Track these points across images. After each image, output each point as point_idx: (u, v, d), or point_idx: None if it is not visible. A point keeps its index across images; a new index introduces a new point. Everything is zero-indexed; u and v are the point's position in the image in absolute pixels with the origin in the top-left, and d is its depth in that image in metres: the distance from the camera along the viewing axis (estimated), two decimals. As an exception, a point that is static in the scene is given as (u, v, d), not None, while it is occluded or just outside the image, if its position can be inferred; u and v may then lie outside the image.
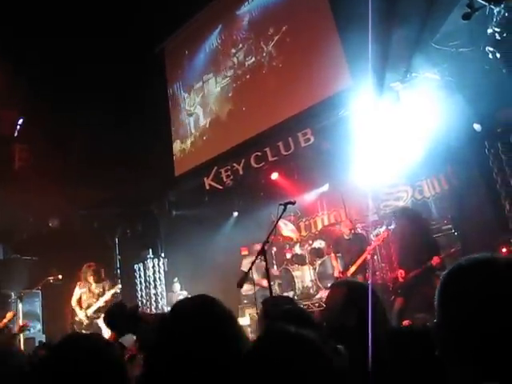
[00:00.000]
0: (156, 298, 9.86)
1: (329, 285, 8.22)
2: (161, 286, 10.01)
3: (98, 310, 7.21)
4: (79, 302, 7.40)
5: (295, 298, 8.54)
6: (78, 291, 7.46)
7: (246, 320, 8.32)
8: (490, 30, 5.94)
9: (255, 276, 7.78)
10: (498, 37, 5.92)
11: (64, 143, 9.69)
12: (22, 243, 9.21)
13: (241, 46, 9.34)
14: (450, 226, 7.52)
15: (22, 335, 6.88)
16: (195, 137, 9.95)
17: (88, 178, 9.25)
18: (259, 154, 8.64)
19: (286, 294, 8.60)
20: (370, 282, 6.30)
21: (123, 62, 9.09)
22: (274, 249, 8.95)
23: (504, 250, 6.67)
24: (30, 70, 8.46)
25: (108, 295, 7.37)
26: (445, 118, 6.65)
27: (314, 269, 8.78)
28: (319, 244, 9.09)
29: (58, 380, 1.46)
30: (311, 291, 8.70)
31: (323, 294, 8.32)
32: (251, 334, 7.35)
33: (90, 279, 7.45)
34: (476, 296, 1.09)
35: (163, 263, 10.24)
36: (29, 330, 6.99)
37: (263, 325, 3.14)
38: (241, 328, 1.65)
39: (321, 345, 1.22)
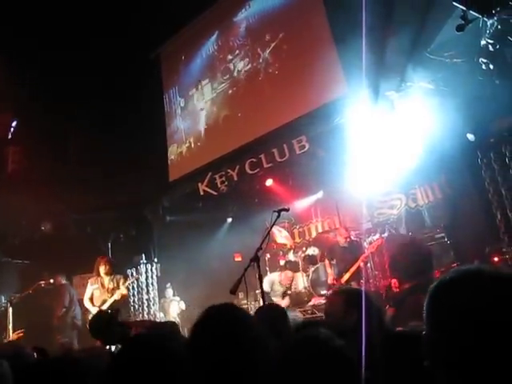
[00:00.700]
0: (148, 304, 9.80)
1: (322, 292, 8.27)
2: (153, 292, 9.96)
3: (112, 306, 6.97)
4: (91, 299, 7.17)
5: (288, 305, 8.53)
6: (90, 288, 7.24)
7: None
8: (483, 42, 6.00)
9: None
10: (491, 48, 5.98)
11: (58, 147, 9.67)
12: (13, 247, 9.15)
13: (237, 52, 9.37)
14: (442, 235, 7.56)
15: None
16: (190, 142, 9.94)
17: (82, 182, 9.20)
18: (254, 160, 8.64)
19: (278, 301, 8.62)
20: (363, 288, 6.30)
21: (119, 67, 9.08)
22: (268, 255, 8.95)
23: (496, 258, 6.72)
24: (24, 72, 8.45)
25: (123, 289, 7.14)
26: (439, 127, 6.70)
27: (308, 276, 8.79)
28: (313, 251, 9.12)
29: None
30: (304, 298, 8.70)
31: (316, 301, 8.33)
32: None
33: (102, 270, 7.17)
34: (462, 308, 1.10)
35: (156, 268, 10.19)
36: None
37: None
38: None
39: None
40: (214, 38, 9.92)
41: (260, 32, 9.02)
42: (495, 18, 5.47)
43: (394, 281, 6.67)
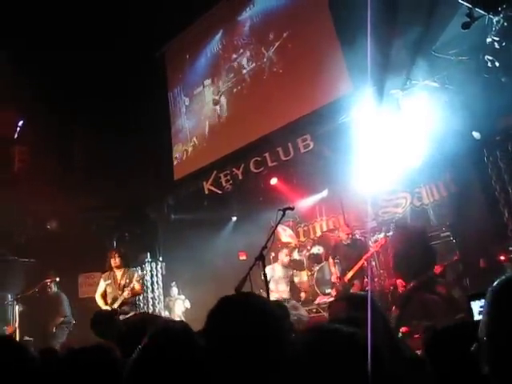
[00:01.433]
0: (153, 302, 9.84)
1: (327, 291, 8.26)
2: (158, 290, 9.99)
3: (123, 304, 6.61)
4: (104, 296, 6.80)
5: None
6: (103, 284, 6.88)
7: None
8: (489, 39, 5.98)
9: (277, 287, 7.78)
10: (496, 46, 5.96)
11: (64, 146, 9.71)
12: (19, 245, 9.19)
13: (242, 51, 9.37)
14: (448, 233, 7.54)
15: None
16: (195, 141, 9.96)
17: (87, 180, 9.25)
18: (258, 159, 8.64)
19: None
20: (369, 288, 6.30)
21: (124, 66, 9.10)
22: (273, 254, 8.94)
23: (502, 257, 6.70)
24: (30, 71, 8.47)
25: (135, 284, 6.72)
26: (444, 125, 6.67)
27: (312, 274, 8.79)
28: (317, 250, 9.11)
29: None
30: (309, 297, 8.70)
31: (321, 299, 8.33)
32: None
33: (113, 264, 6.83)
34: None
35: (161, 267, 10.22)
36: None
37: None
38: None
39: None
40: (218, 36, 9.93)
41: (264, 31, 9.02)
42: (501, 16, 5.45)
43: (399, 281, 6.69)
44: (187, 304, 9.34)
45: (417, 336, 5.83)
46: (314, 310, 8.22)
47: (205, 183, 9.24)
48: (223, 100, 9.59)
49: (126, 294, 6.57)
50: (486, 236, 6.97)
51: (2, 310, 8.18)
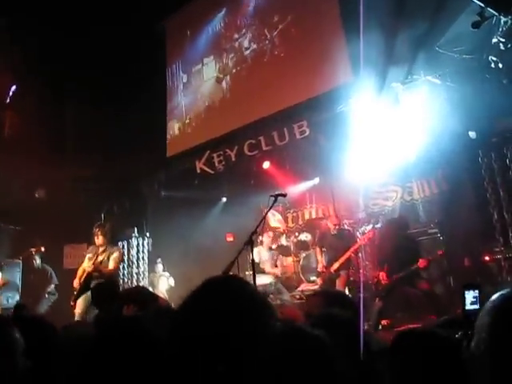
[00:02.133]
0: (138, 278, 9.83)
1: (311, 278, 8.32)
2: (143, 266, 9.98)
3: (90, 278, 6.36)
4: (84, 269, 6.58)
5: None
6: (86, 258, 6.74)
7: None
8: (494, 40, 5.95)
9: (266, 267, 7.82)
10: (502, 47, 5.94)
11: (56, 115, 9.54)
12: (6, 212, 9.07)
13: (244, 31, 9.22)
14: (435, 230, 7.59)
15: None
16: (190, 119, 9.86)
17: (78, 151, 9.13)
18: (253, 141, 8.60)
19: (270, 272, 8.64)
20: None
21: (122, 38, 8.92)
22: (260, 238, 8.94)
23: (487, 257, 6.79)
24: (27, 38, 8.27)
25: (111, 262, 6.49)
26: (441, 122, 6.67)
27: (298, 261, 8.83)
28: (305, 237, 9.14)
29: None
30: (293, 283, 8.75)
31: (304, 286, 8.39)
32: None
33: (96, 241, 6.67)
34: None
35: (148, 243, 10.19)
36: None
37: None
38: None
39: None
40: (221, 15, 9.74)
41: (268, 13, 8.88)
42: (510, 17, 5.41)
43: (381, 274, 6.75)
44: (171, 281, 9.34)
45: (398, 329, 5.90)
46: (298, 297, 8.27)
47: (197, 162, 9.18)
48: (221, 80, 9.47)
49: (87, 266, 6.39)
50: (473, 236, 7.03)
51: (-15, 275, 8.13)
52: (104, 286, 4.91)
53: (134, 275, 9.84)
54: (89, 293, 5.88)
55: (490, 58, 6.16)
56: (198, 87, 9.93)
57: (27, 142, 8.66)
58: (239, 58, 9.23)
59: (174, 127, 10.12)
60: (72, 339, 2.28)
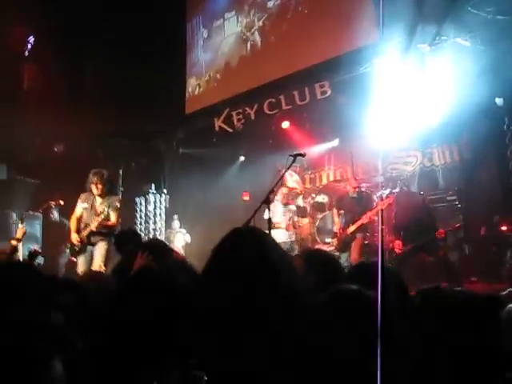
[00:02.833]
0: (154, 234, 9.99)
1: (327, 240, 8.34)
2: (160, 222, 10.11)
3: (93, 234, 5.91)
4: (79, 220, 6.10)
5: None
6: (80, 207, 6.15)
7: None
8: (531, 1, 5.66)
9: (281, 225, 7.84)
10: (538, 9, 5.65)
11: (75, 69, 9.45)
12: (26, 165, 9.18)
13: (267, -15, 8.90)
14: (454, 198, 7.51)
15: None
16: (210, 76, 9.70)
17: (97, 106, 9.09)
18: (273, 100, 8.47)
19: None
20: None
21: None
22: (277, 198, 8.95)
23: (504, 227, 6.71)
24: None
25: (112, 215, 5.94)
26: (468, 87, 6.44)
27: (314, 222, 8.84)
28: (322, 199, 9.10)
29: None
30: (308, 244, 8.80)
31: (320, 248, 8.44)
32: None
33: (94, 191, 6.02)
34: None
35: (165, 199, 10.28)
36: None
37: None
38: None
39: None
40: (244, -33, 9.39)
41: (292, -34, 8.52)
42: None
43: (397, 242, 6.74)
44: (187, 238, 9.47)
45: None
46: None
47: (216, 120, 9.11)
48: (243, 36, 9.23)
49: (93, 226, 5.83)
50: (492, 205, 6.95)
51: (7, 227, 8.31)
52: (127, 233, 5.03)
53: (151, 231, 10.00)
54: (90, 251, 5.92)
55: (524, 20, 5.88)
56: (218, 43, 9.71)
57: (46, 95, 8.63)
58: (262, 14, 8.95)
59: (193, 84, 9.98)
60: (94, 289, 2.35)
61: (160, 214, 10.17)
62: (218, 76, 9.59)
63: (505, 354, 1.41)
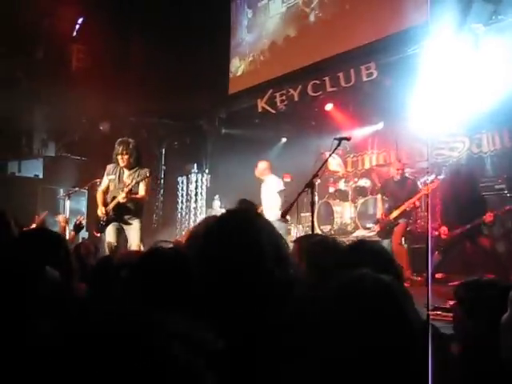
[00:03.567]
0: (195, 212, 10.13)
1: (368, 225, 8.24)
2: (201, 201, 10.23)
3: (119, 206, 5.54)
4: (106, 192, 5.75)
5: (331, 232, 8.60)
6: (106, 179, 5.81)
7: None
8: None
9: None
10: None
11: (121, 50, 9.58)
12: (72, 143, 9.44)
13: (314, -35, 8.67)
14: (503, 186, 7.25)
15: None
16: (254, 56, 9.63)
17: (141, 86, 9.20)
18: (317, 82, 8.31)
19: (322, 228, 8.71)
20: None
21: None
22: (318, 181, 8.87)
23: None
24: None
25: (141, 188, 5.58)
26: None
27: (356, 207, 8.74)
28: (364, 183, 8.96)
29: None
30: (349, 228, 8.73)
31: (360, 233, 8.35)
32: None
33: (121, 162, 5.59)
34: None
35: (206, 179, 10.39)
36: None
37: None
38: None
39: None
40: None
41: None
42: None
43: (443, 228, 6.58)
44: (227, 218, 9.54)
45: (451, 284, 5.82)
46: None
47: (259, 100, 9.06)
48: (288, 16, 9.07)
49: (121, 197, 5.42)
50: (544, 195, 6.66)
51: (55, 203, 8.62)
52: None
53: (192, 210, 10.13)
54: (119, 225, 5.66)
55: None
56: (263, 23, 9.59)
57: (93, 75, 8.81)
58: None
59: (236, 64, 9.95)
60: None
61: (201, 193, 10.29)
62: (262, 57, 9.51)
63: None
